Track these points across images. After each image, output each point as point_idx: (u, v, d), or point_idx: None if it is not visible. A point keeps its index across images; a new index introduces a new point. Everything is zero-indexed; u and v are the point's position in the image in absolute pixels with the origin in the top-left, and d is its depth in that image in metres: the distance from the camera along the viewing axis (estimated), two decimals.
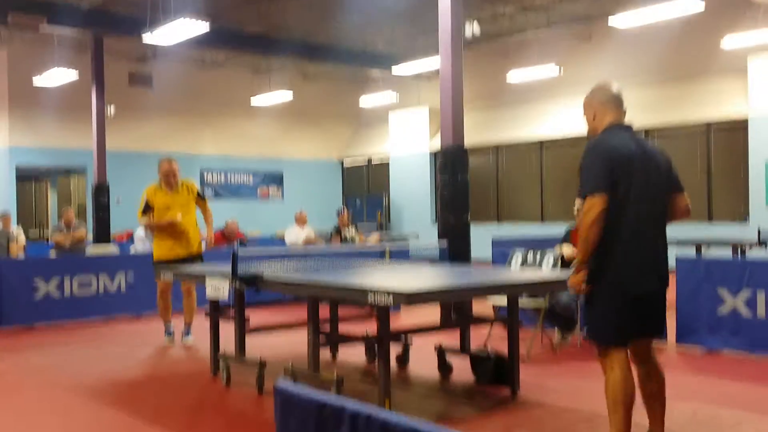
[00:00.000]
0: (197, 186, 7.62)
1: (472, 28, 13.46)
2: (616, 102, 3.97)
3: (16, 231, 11.62)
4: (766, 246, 9.74)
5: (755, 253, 10.11)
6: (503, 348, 5.50)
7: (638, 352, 3.88)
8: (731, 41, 13.56)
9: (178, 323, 7.65)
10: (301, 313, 5.72)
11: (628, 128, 3.94)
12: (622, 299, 3.69)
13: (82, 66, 16.27)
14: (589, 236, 3.60)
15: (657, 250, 3.78)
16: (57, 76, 15.64)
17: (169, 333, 7.57)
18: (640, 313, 3.74)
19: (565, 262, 6.80)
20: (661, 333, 4.04)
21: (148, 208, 7.24)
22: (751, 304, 6.34)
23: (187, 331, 7.51)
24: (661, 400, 3.89)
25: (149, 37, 12.87)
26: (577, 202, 7.15)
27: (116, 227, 16.30)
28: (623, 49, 16.22)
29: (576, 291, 3.80)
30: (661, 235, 3.83)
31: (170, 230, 7.25)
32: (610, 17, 13.52)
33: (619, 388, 3.67)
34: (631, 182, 3.67)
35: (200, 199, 7.50)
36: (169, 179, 7.28)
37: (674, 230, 4.24)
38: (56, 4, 13.72)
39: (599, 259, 3.66)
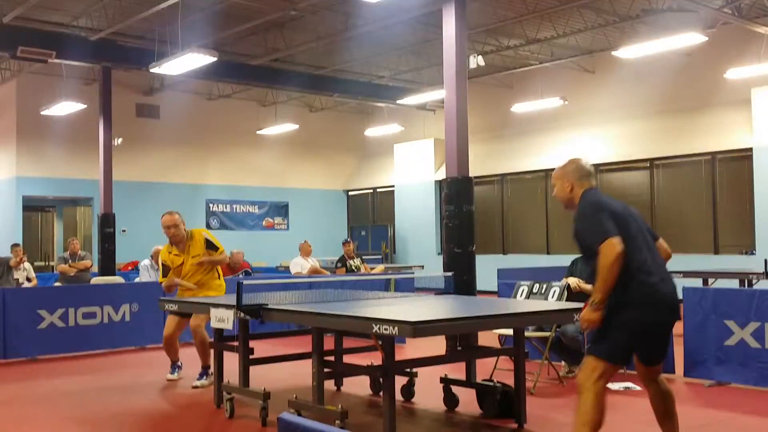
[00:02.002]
0: (204, 234, 7.22)
1: (476, 61, 13.57)
2: (591, 175, 4.25)
3: (25, 264, 11.71)
4: None
5: (762, 285, 10.03)
6: (509, 380, 5.45)
7: (647, 372, 4.08)
8: (735, 73, 13.64)
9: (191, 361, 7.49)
10: (305, 344, 5.70)
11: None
12: (637, 328, 3.86)
13: (90, 97, 16.44)
14: (609, 277, 3.77)
15: (669, 285, 3.96)
16: (65, 107, 15.79)
17: (174, 371, 7.29)
18: (649, 341, 3.97)
19: (571, 294, 6.77)
20: (664, 358, 4.21)
21: (166, 270, 7.07)
22: (759, 335, 6.29)
23: (201, 374, 7.05)
24: (674, 419, 4.08)
25: (157, 69, 13.01)
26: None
27: (121, 257, 16.31)
28: (627, 80, 16.32)
29: (587, 328, 3.94)
30: (667, 272, 4.04)
31: (188, 294, 7.08)
32: (613, 50, 13.66)
33: (597, 407, 3.75)
34: (630, 229, 3.95)
35: (210, 249, 7.10)
36: (169, 234, 7.02)
37: (680, 262, 4.29)
38: (65, 37, 13.89)
39: (615, 294, 3.83)
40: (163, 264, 7.12)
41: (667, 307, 3.90)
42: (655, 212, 15.50)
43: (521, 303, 6.27)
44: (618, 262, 3.75)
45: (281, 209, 21.67)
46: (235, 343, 5.93)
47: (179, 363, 7.35)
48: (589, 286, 6.84)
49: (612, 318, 3.85)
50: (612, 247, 3.77)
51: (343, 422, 4.79)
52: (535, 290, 6.93)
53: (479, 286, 9.24)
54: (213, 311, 5.56)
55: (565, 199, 4.25)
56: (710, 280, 10.41)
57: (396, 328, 4.13)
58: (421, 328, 4.14)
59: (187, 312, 6.61)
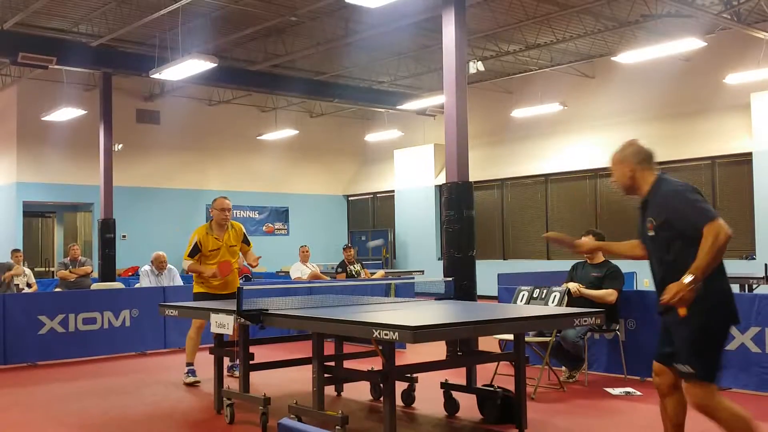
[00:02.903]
0: (243, 229, 7.50)
1: (476, 66, 13.59)
2: (652, 157, 4.03)
3: (25, 270, 11.70)
4: None
5: (763, 290, 10.04)
6: (510, 385, 5.45)
7: (676, 379, 3.86)
8: (734, 78, 13.66)
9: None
10: (305, 349, 5.70)
11: None
12: (725, 332, 3.73)
13: (90, 102, 16.47)
14: (718, 257, 3.59)
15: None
16: (65, 113, 15.82)
17: (193, 374, 7.31)
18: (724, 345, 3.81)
19: (571, 299, 6.77)
20: None
21: (196, 251, 7.11)
22: (760, 340, 6.29)
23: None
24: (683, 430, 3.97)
25: (157, 75, 13.03)
26: (584, 239, 7.16)
27: (121, 263, 16.31)
28: (627, 86, 16.35)
29: (677, 302, 3.58)
30: None
31: (215, 282, 7.17)
32: (613, 55, 13.69)
33: (744, 421, 3.63)
34: None
35: (246, 244, 7.38)
36: (225, 216, 7.18)
37: None
38: (66, 43, 13.92)
39: (709, 286, 3.63)
40: (196, 243, 7.11)
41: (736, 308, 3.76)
42: None
43: (521, 308, 6.27)
44: (726, 243, 3.56)
45: (281, 214, 21.68)
46: (235, 348, 5.93)
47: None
48: (589, 292, 6.85)
49: (707, 321, 3.65)
50: (723, 227, 3.57)
51: (343, 428, 4.79)
52: (535, 295, 6.93)
53: (479, 292, 9.23)
54: (213, 316, 5.56)
55: (626, 186, 4.05)
56: None
57: (396, 334, 4.13)
58: (421, 334, 4.14)
59: (188, 317, 6.61)
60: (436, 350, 7.43)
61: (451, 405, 5.88)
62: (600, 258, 7.16)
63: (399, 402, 5.90)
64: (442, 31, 9.30)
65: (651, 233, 3.89)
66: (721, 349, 3.74)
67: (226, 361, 7.25)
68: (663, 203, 3.84)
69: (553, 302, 6.71)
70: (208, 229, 7.25)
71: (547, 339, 6.71)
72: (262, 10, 12.98)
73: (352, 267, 12.19)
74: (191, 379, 7.24)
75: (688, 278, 3.56)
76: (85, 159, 17.36)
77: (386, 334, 4.17)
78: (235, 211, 20.37)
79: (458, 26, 9.13)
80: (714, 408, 3.64)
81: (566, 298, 6.71)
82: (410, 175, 20.37)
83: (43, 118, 16.57)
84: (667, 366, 3.88)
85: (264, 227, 21.23)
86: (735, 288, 10.22)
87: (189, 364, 7.33)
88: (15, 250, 12.15)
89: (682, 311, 3.62)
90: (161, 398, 6.71)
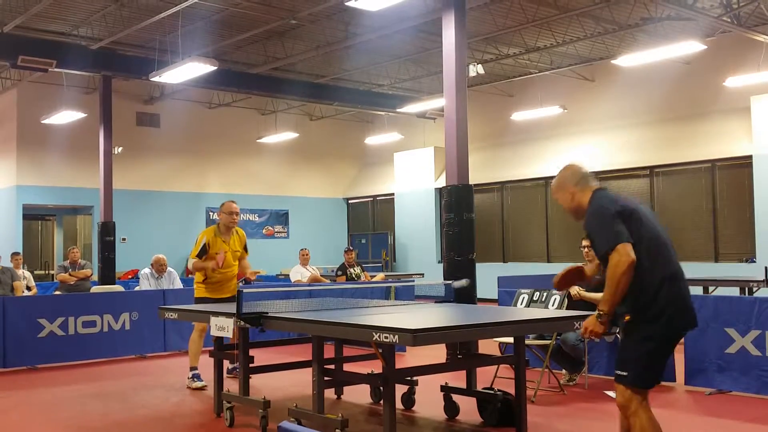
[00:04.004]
0: (245, 236, 7.67)
1: (476, 69, 13.59)
2: (588, 176, 4.00)
3: (25, 273, 11.69)
4: None
5: (763, 293, 10.03)
6: (510, 388, 5.44)
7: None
8: (734, 81, 13.67)
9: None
10: (305, 352, 5.69)
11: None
12: (667, 337, 3.72)
13: (90, 105, 16.47)
14: (620, 287, 3.60)
15: (687, 290, 3.81)
16: (65, 116, 15.82)
17: (199, 378, 7.27)
18: (670, 353, 3.84)
19: (571, 302, 6.77)
20: None
21: (204, 252, 7.17)
22: (760, 343, 6.28)
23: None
24: None
25: (157, 78, 13.03)
26: (584, 242, 7.18)
27: (121, 266, 16.30)
28: (626, 89, 16.35)
29: (590, 336, 3.79)
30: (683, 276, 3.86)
31: (218, 276, 7.21)
32: (613, 58, 13.69)
33: (653, 429, 3.66)
34: (644, 228, 3.73)
35: (245, 251, 7.56)
36: (233, 220, 7.28)
37: None
38: (66, 46, 13.92)
39: (637, 299, 3.67)
40: (205, 244, 7.20)
41: (691, 313, 3.76)
42: None
43: (522, 311, 6.26)
44: (629, 271, 3.56)
45: (281, 217, 21.67)
46: (235, 352, 5.92)
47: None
48: (589, 295, 6.85)
49: (638, 330, 3.68)
50: (623, 255, 3.56)
51: (343, 431, 4.78)
52: (535, 298, 6.93)
53: (479, 294, 9.22)
54: (213, 319, 5.56)
55: (572, 210, 4.01)
56: (710, 288, 10.40)
57: (396, 336, 4.13)
58: (421, 337, 4.13)
59: (188, 320, 6.60)
60: (436, 353, 7.42)
61: (451, 408, 5.87)
62: None
63: (399, 405, 5.90)
64: (442, 34, 9.30)
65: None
66: (662, 357, 3.74)
67: (226, 364, 7.25)
68: (586, 223, 3.87)
69: (553, 305, 6.71)
70: (216, 231, 7.33)
71: (548, 342, 6.71)
72: (262, 13, 12.98)
73: (352, 270, 12.19)
74: (198, 384, 7.15)
75: (598, 316, 3.70)
76: (85, 162, 17.35)
77: (386, 337, 4.17)
78: None
79: (458, 29, 9.14)
80: (633, 412, 3.68)
81: (566, 301, 6.71)
82: (410, 178, 20.37)
83: (43, 121, 16.58)
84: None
85: (264, 230, 21.22)
86: (735, 291, 10.22)
87: (194, 368, 7.28)
88: (15, 253, 12.15)
89: (627, 317, 3.71)
90: (161, 401, 6.70)
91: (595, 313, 3.74)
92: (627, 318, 3.72)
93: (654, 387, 3.78)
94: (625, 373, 3.70)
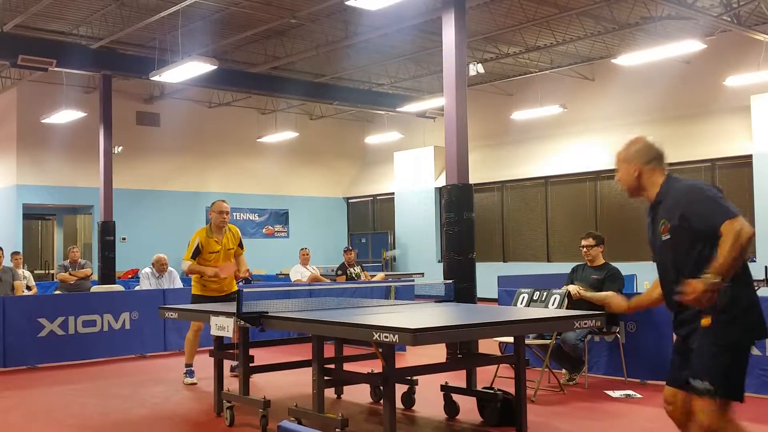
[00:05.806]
0: (239, 232, 7.62)
1: (476, 68, 13.60)
2: (662, 156, 3.70)
3: (25, 273, 11.68)
4: None
5: (763, 292, 10.02)
6: (510, 388, 5.44)
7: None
8: (734, 80, 13.67)
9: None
10: (305, 352, 5.69)
11: None
12: (751, 345, 3.40)
13: (90, 105, 16.47)
14: (742, 255, 3.15)
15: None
16: (65, 116, 15.82)
17: (191, 375, 7.42)
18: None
19: (571, 301, 6.76)
20: None
21: (197, 252, 7.19)
22: (760, 343, 6.28)
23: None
24: None
25: (157, 77, 13.03)
26: (583, 241, 7.19)
27: (121, 265, 16.30)
28: (626, 88, 16.35)
29: (690, 302, 3.17)
30: None
31: (214, 277, 7.25)
32: (613, 57, 13.69)
33: None
34: None
35: (240, 248, 7.51)
36: (223, 219, 7.25)
37: None
38: (66, 45, 13.92)
39: (737, 293, 3.23)
40: (198, 245, 7.20)
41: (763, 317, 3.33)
42: None
43: (522, 310, 6.26)
44: (749, 241, 3.13)
45: (281, 217, 21.67)
46: (235, 351, 5.92)
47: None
48: (590, 294, 6.84)
49: (728, 331, 3.25)
50: (745, 225, 3.14)
51: (343, 430, 4.78)
52: (535, 298, 6.93)
53: (479, 294, 9.23)
54: (213, 319, 5.56)
55: (631, 186, 3.64)
56: None
57: (396, 336, 4.12)
58: (421, 336, 4.13)
59: (188, 320, 6.61)
60: (436, 353, 7.42)
61: (451, 407, 5.87)
62: (600, 260, 7.16)
63: (399, 404, 5.90)
64: (442, 34, 9.31)
65: (665, 236, 3.44)
66: (747, 365, 3.37)
67: (227, 364, 7.26)
68: (677, 201, 3.43)
69: (553, 305, 6.70)
70: (208, 232, 7.32)
71: (548, 341, 6.71)
72: (262, 12, 12.98)
73: (352, 269, 12.18)
74: (189, 380, 7.36)
75: (712, 278, 3.10)
76: (85, 161, 17.35)
77: (386, 337, 4.17)
78: (234, 214, 20.55)
79: (458, 28, 9.14)
80: (721, 426, 3.24)
81: (566, 300, 6.71)
82: (410, 178, 20.37)
83: (42, 121, 16.58)
84: (681, 389, 3.45)
85: (264, 229, 21.22)
86: None
87: (188, 365, 7.45)
88: (15, 253, 12.13)
89: (706, 320, 3.25)
90: (161, 401, 6.70)
91: (707, 275, 3.13)
92: (706, 320, 3.25)
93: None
94: (711, 387, 3.23)
